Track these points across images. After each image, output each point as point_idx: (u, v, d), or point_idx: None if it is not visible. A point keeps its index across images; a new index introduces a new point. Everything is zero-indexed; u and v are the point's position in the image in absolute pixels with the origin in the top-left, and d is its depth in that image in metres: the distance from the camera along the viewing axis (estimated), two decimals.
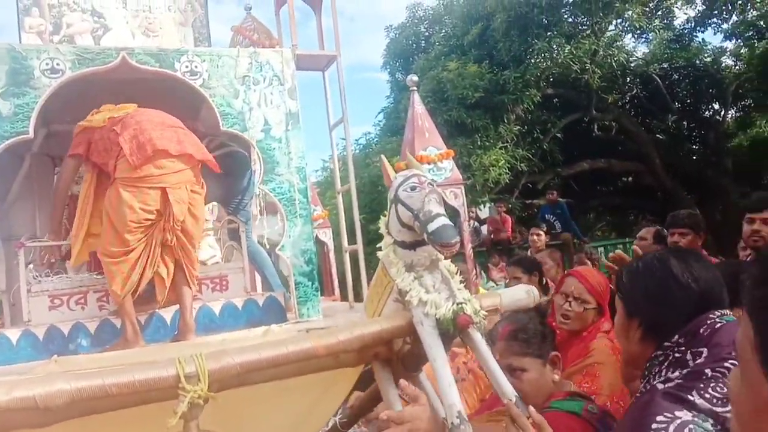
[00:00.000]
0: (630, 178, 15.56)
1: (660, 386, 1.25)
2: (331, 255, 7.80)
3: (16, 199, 4.27)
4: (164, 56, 3.69)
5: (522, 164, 11.44)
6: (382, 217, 1.73)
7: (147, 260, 3.13)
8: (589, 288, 2.54)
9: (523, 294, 1.83)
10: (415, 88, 4.49)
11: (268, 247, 4.40)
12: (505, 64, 11.63)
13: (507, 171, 10.85)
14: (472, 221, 9.04)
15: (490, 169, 10.48)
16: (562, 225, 10.31)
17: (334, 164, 5.09)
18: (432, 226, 1.47)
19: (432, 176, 3.04)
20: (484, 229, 11.14)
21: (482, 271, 7.82)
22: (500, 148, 11.00)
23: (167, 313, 3.49)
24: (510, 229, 10.65)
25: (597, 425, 1.64)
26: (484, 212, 12.34)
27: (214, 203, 5.02)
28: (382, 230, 1.69)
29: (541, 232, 7.03)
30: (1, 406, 1.08)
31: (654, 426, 1.15)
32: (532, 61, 11.48)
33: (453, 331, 1.47)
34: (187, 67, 3.74)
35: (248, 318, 3.66)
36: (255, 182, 4.59)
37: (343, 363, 1.57)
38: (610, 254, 3.86)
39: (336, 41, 4.41)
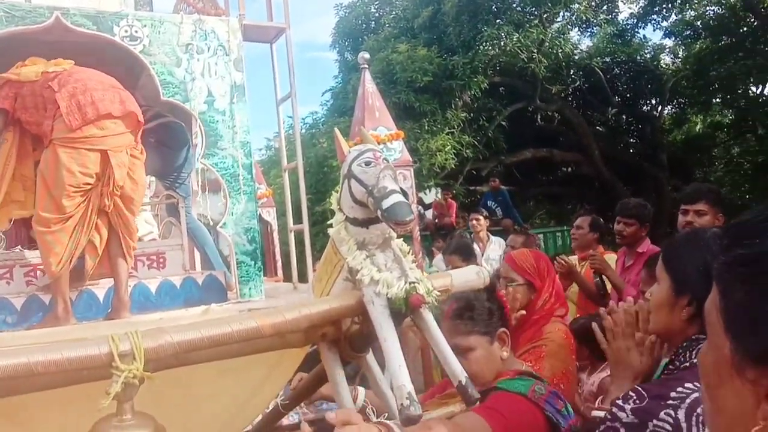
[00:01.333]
0: (570, 168, 15.95)
1: None
2: (275, 235, 7.66)
3: None
4: (102, 19, 3.48)
5: (467, 150, 11.53)
6: (333, 193, 1.67)
7: (83, 228, 2.95)
8: (514, 267, 2.61)
9: (473, 275, 1.81)
10: (366, 66, 4.39)
11: (211, 224, 4.26)
12: (454, 49, 11.65)
13: (453, 156, 10.92)
14: (416, 205, 9.07)
15: (437, 153, 10.52)
16: (503, 212, 10.48)
17: (280, 140, 4.96)
18: (386, 203, 1.43)
19: None
20: (428, 213, 11.20)
21: (426, 256, 7.84)
22: (447, 134, 11.04)
23: (99, 290, 3.32)
24: (454, 215, 10.74)
25: (544, 406, 1.64)
26: (427, 197, 12.41)
27: (152, 177, 4.81)
28: (334, 206, 1.63)
29: (481, 217, 7.06)
30: None
31: (679, 389, 1.18)
32: (481, 47, 11.54)
33: (405, 310, 1.44)
34: (126, 31, 3.53)
35: (186, 297, 3.53)
36: (195, 156, 4.42)
37: (289, 343, 1.52)
38: (558, 263, 3.94)
39: (285, 12, 4.26)
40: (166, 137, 4.13)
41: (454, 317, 1.85)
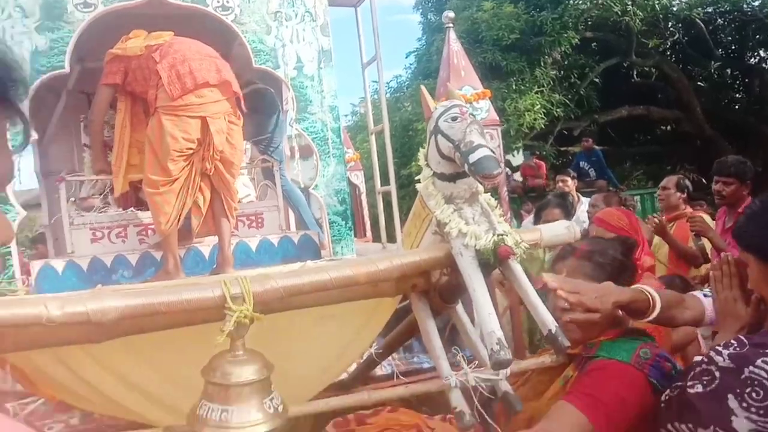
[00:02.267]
0: (669, 126, 15.13)
1: None
2: (363, 197, 7.81)
3: (54, 136, 4.34)
4: None
5: (558, 110, 11.18)
6: (421, 149, 1.71)
7: (188, 190, 3.17)
8: (610, 228, 2.58)
9: (563, 230, 1.79)
10: (450, 24, 4.35)
11: (302, 187, 4.43)
12: (542, 5, 11.24)
13: (542, 116, 10.63)
14: (503, 165, 8.94)
15: (525, 114, 10.27)
16: (597, 173, 10.15)
17: (366, 104, 5.03)
18: (473, 157, 1.44)
19: None
20: (516, 176, 11.02)
21: (514, 217, 7.76)
22: (536, 93, 10.74)
23: (205, 248, 3.57)
24: (545, 176, 10.51)
25: (649, 372, 1.55)
26: (515, 159, 12.17)
27: (247, 142, 5.03)
28: (421, 162, 1.67)
29: (568, 178, 6.90)
30: (55, 320, 1.11)
31: (764, 358, 1.18)
32: (571, 2, 11.08)
33: (493, 262, 1.47)
34: (219, 2, 3.69)
35: (284, 255, 3.72)
36: (287, 121, 4.57)
37: (381, 292, 1.59)
38: (651, 222, 3.85)
39: None
40: (258, 104, 4.30)
41: (583, 257, 1.76)
